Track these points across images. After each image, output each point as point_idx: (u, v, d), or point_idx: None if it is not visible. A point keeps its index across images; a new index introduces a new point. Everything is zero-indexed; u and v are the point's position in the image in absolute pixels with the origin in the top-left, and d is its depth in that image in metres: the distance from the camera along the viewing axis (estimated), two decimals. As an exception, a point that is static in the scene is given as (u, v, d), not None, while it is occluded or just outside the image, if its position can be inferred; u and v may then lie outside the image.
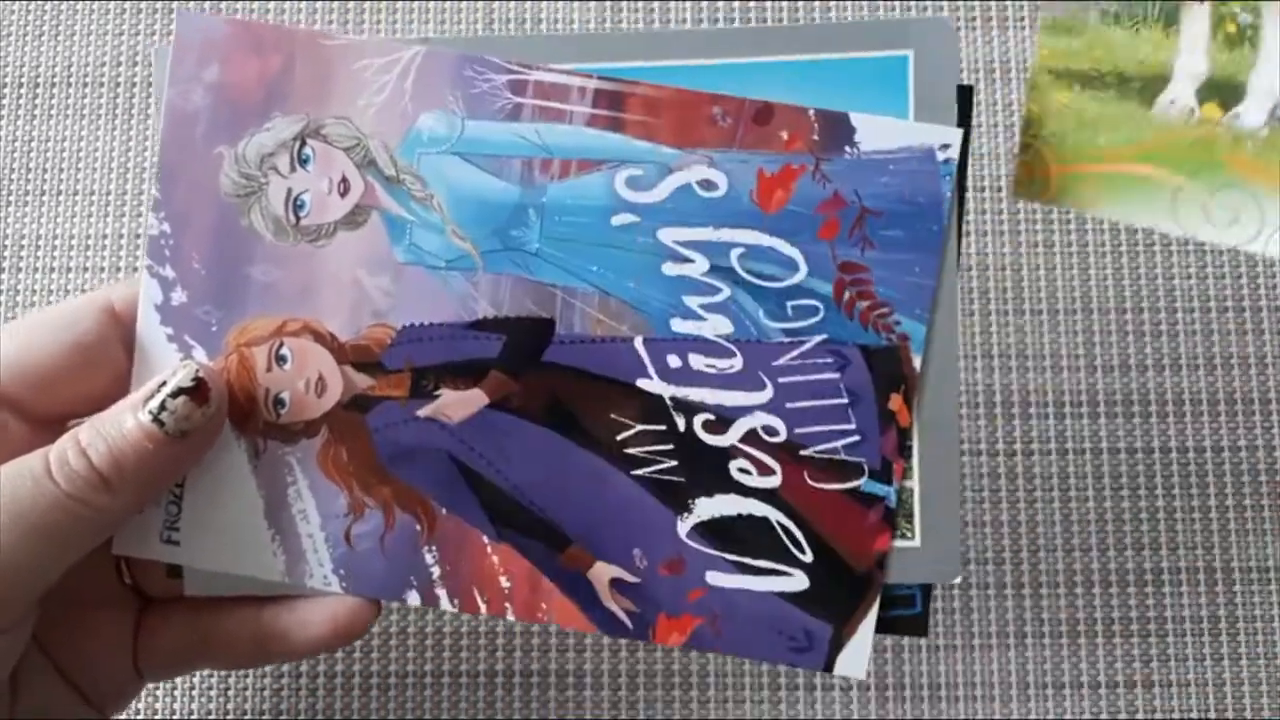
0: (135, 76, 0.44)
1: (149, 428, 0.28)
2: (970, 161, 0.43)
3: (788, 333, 0.30)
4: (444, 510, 0.31)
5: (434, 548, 0.31)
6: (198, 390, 0.29)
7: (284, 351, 0.30)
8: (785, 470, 0.30)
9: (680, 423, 0.30)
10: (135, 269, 0.42)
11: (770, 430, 0.30)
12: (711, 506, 0.30)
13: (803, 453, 0.30)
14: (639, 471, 0.30)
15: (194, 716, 0.39)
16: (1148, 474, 0.40)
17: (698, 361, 0.30)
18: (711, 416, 0.30)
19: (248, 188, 0.31)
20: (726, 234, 0.30)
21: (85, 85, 0.44)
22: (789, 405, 0.30)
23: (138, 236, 0.43)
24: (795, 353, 0.30)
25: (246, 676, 0.39)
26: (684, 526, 0.30)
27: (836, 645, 0.30)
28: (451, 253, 0.30)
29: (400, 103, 0.30)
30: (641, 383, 0.30)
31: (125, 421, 0.28)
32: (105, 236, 0.43)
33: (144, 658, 0.32)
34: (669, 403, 0.30)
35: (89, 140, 0.43)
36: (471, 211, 0.30)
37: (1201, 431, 0.41)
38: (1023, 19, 0.44)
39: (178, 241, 0.31)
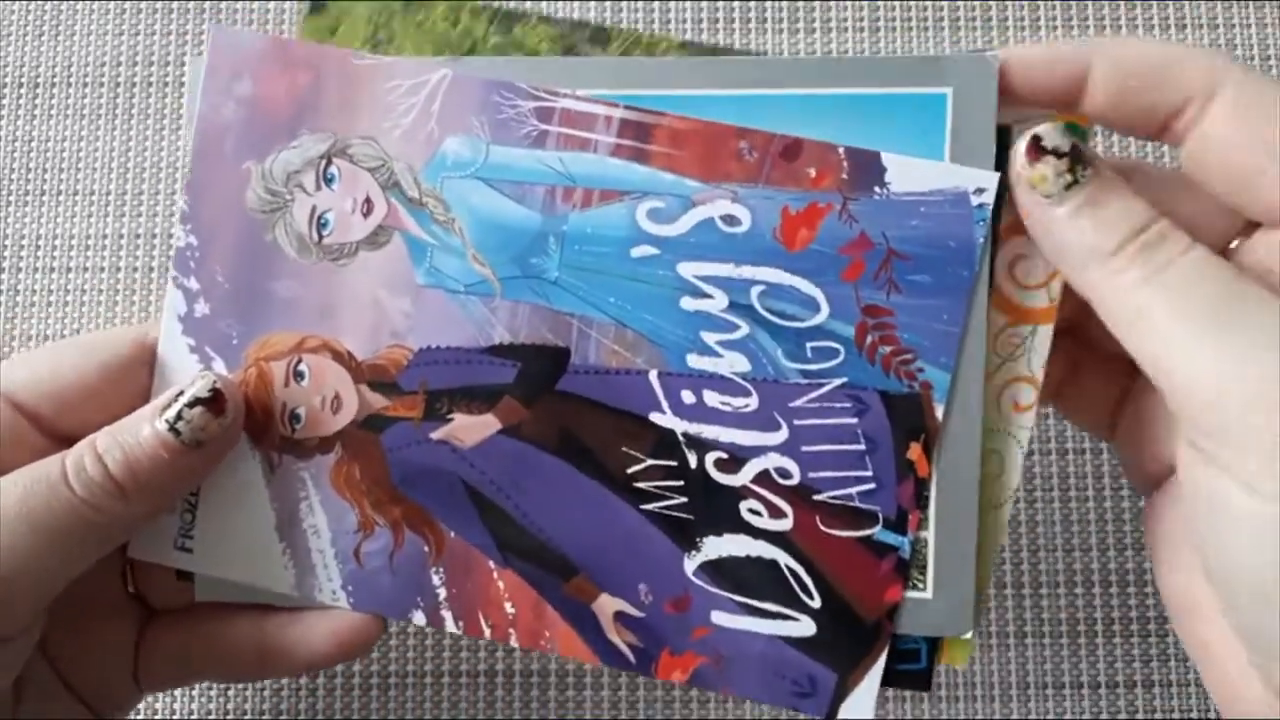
0: (135, 76, 0.44)
1: (165, 436, 0.28)
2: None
3: (806, 374, 0.29)
4: (452, 533, 0.30)
5: (441, 569, 0.30)
6: (214, 401, 0.28)
7: (302, 368, 0.30)
8: (797, 514, 0.29)
9: (692, 460, 0.29)
10: (135, 269, 0.42)
11: (783, 472, 0.29)
12: (720, 546, 0.29)
13: (816, 497, 0.29)
14: (648, 506, 0.30)
15: (194, 716, 0.39)
16: (1148, 474, 0.40)
17: (712, 399, 0.29)
18: (724, 455, 0.29)
19: (273, 204, 0.30)
20: (748, 271, 0.29)
21: (85, 85, 0.43)
22: (804, 448, 0.29)
23: (138, 236, 0.42)
24: (813, 395, 0.29)
25: (247, 677, 0.39)
26: (691, 564, 0.29)
27: (840, 694, 0.29)
28: (471, 277, 0.30)
29: (426, 126, 0.30)
30: (655, 417, 0.29)
31: (142, 429, 0.28)
32: (105, 236, 0.42)
33: (145, 668, 0.32)
34: (681, 439, 0.29)
35: (89, 140, 0.43)
36: (492, 237, 0.30)
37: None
38: (1022, 19, 0.44)
39: (203, 254, 0.30)
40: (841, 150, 0.29)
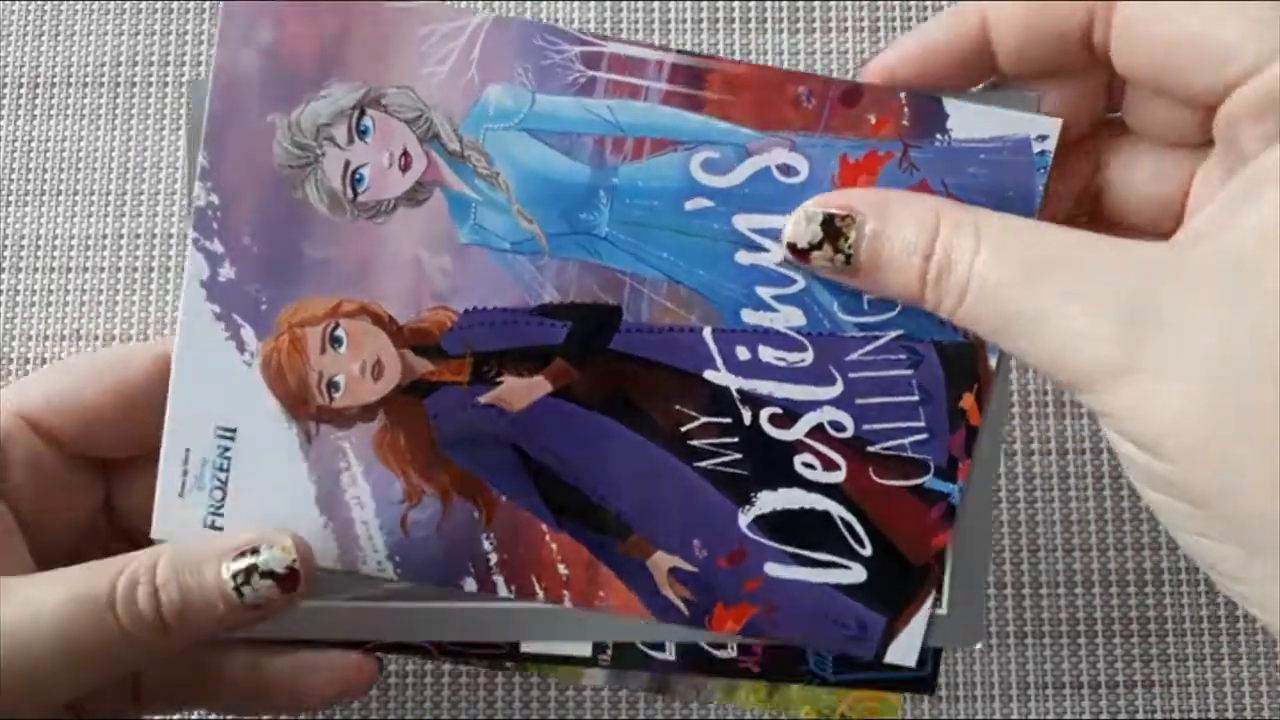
0: (135, 76, 0.43)
1: (228, 594, 0.27)
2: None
3: (862, 327, 0.28)
4: (504, 498, 0.29)
5: (492, 535, 0.29)
6: (288, 579, 0.27)
7: (339, 333, 0.28)
8: (850, 466, 0.29)
9: (746, 416, 0.29)
10: (135, 269, 0.42)
11: (838, 425, 0.29)
12: (774, 500, 0.29)
13: (869, 449, 0.29)
14: (702, 464, 0.29)
15: (194, 716, 0.39)
16: (1148, 474, 0.40)
17: (767, 354, 0.28)
18: (779, 410, 0.29)
19: (302, 159, 0.28)
20: None
21: (85, 85, 0.43)
22: (858, 401, 0.29)
23: (138, 236, 0.42)
24: (869, 348, 0.28)
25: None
26: (745, 519, 0.29)
27: (889, 635, 0.29)
28: (517, 234, 0.28)
29: (466, 73, 0.28)
30: (709, 374, 0.28)
31: (205, 574, 0.27)
32: (105, 236, 0.42)
33: (145, 692, 0.31)
34: (736, 395, 0.29)
35: (89, 140, 0.43)
36: (539, 191, 0.28)
37: (1201, 431, 0.40)
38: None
39: (225, 214, 0.28)
40: (902, 96, 0.28)
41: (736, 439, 0.29)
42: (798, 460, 0.29)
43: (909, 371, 0.28)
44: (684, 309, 0.29)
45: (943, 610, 0.29)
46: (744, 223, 0.28)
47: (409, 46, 0.28)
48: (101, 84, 0.43)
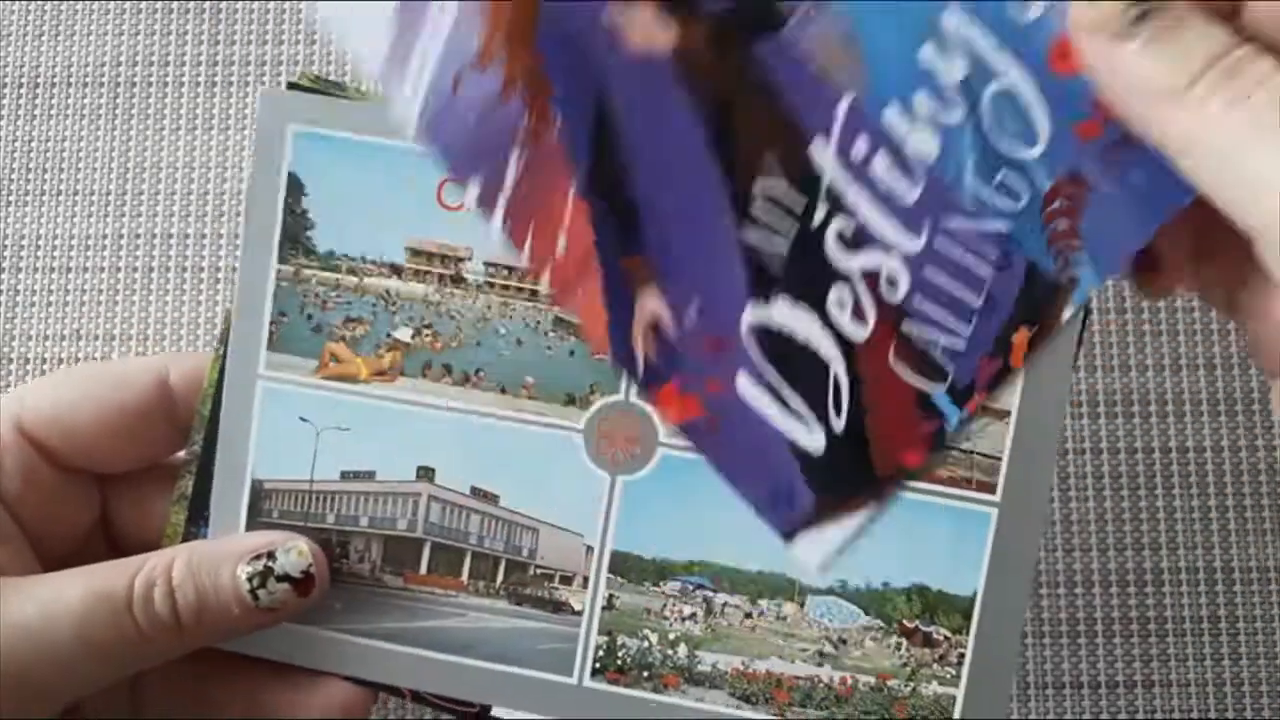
0: (135, 76, 0.43)
1: (243, 595, 0.27)
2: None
3: (978, 199, 0.26)
4: (559, 122, 0.26)
5: (524, 154, 0.26)
6: (302, 583, 0.27)
7: None
8: (876, 329, 0.26)
9: (819, 214, 0.26)
10: (135, 269, 0.42)
11: (892, 280, 0.26)
12: (787, 315, 0.26)
13: (903, 325, 0.26)
14: (746, 233, 0.26)
15: None
16: (1148, 474, 0.40)
17: (880, 166, 0.26)
18: (850, 229, 0.26)
19: None
20: (1005, 61, 0.25)
21: (85, 85, 0.43)
22: (926, 270, 0.26)
23: (138, 236, 0.42)
24: (972, 224, 0.26)
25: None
26: (750, 316, 0.27)
27: (808, 520, 0.27)
28: None
29: None
30: (816, 146, 0.26)
31: (222, 574, 0.27)
32: (105, 236, 0.42)
33: (142, 702, 0.31)
34: (824, 187, 0.26)
35: (89, 140, 0.43)
36: None
37: (1201, 431, 0.40)
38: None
39: None
40: None
41: (795, 230, 0.26)
42: (834, 291, 0.26)
43: (990, 271, 0.26)
44: (841, 57, 0.26)
45: (958, 692, 0.28)
46: (953, 18, 0.25)
47: None
48: (101, 84, 0.43)
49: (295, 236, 0.29)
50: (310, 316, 0.29)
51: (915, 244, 0.26)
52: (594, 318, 0.27)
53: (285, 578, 0.27)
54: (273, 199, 0.29)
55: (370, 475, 0.30)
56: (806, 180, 0.26)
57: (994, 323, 0.26)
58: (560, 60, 0.26)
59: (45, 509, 0.30)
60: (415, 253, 0.29)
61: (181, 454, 0.31)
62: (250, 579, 0.27)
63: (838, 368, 0.27)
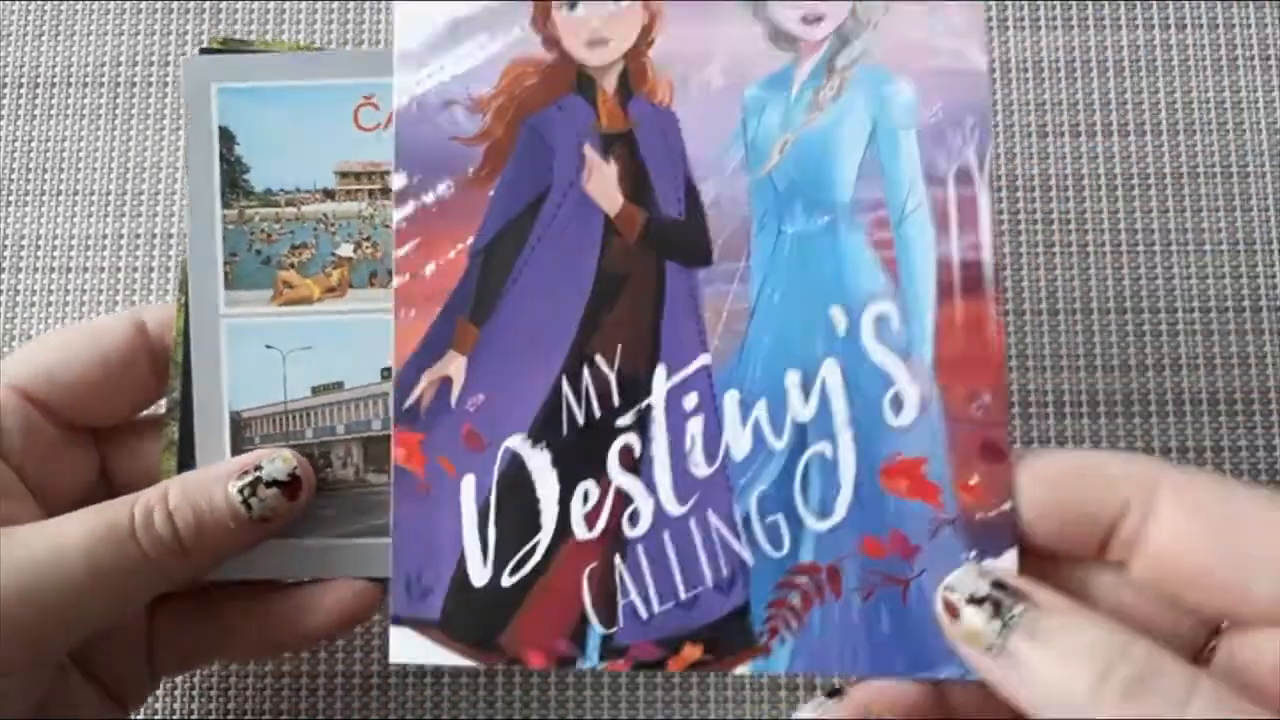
0: (135, 76, 0.43)
1: (236, 508, 0.28)
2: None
3: (745, 521, 0.27)
4: (494, 189, 0.28)
5: (455, 189, 0.28)
6: (290, 485, 0.29)
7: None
8: (596, 539, 0.27)
9: (624, 420, 0.28)
10: (135, 269, 0.42)
11: (634, 517, 0.27)
12: (541, 466, 0.27)
13: (615, 556, 0.27)
14: (563, 383, 0.28)
15: (194, 717, 0.38)
16: (1148, 474, 0.40)
17: (694, 427, 0.27)
18: (636, 450, 0.27)
19: None
20: (845, 441, 0.27)
21: (85, 85, 0.43)
22: (666, 534, 0.27)
23: (138, 236, 0.42)
24: (727, 535, 0.27)
25: (247, 677, 0.39)
26: (513, 442, 0.28)
27: (420, 625, 0.27)
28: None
29: None
30: (659, 370, 0.27)
31: (214, 494, 0.28)
32: (105, 236, 0.42)
33: (158, 653, 0.32)
34: (643, 404, 0.28)
35: (89, 140, 0.43)
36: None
37: (1201, 431, 0.40)
38: (1022, 19, 0.44)
39: None
40: None
41: (597, 415, 0.28)
42: (590, 483, 0.28)
43: (710, 580, 0.27)
44: (723, 329, 0.28)
45: None
46: None
47: None
48: (101, 84, 0.43)
49: (234, 181, 0.31)
50: (259, 251, 0.31)
51: (675, 509, 0.27)
52: (407, 339, 0.28)
53: (274, 483, 0.29)
54: (208, 152, 0.31)
55: (339, 386, 0.31)
56: (633, 387, 0.28)
57: (681, 620, 0.27)
58: (528, 149, 0.28)
59: (47, 466, 0.31)
60: (344, 175, 0.31)
61: (163, 403, 0.32)
62: (241, 491, 0.28)
63: (544, 537, 0.27)
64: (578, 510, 0.27)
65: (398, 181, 0.28)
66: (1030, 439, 0.40)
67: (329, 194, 0.31)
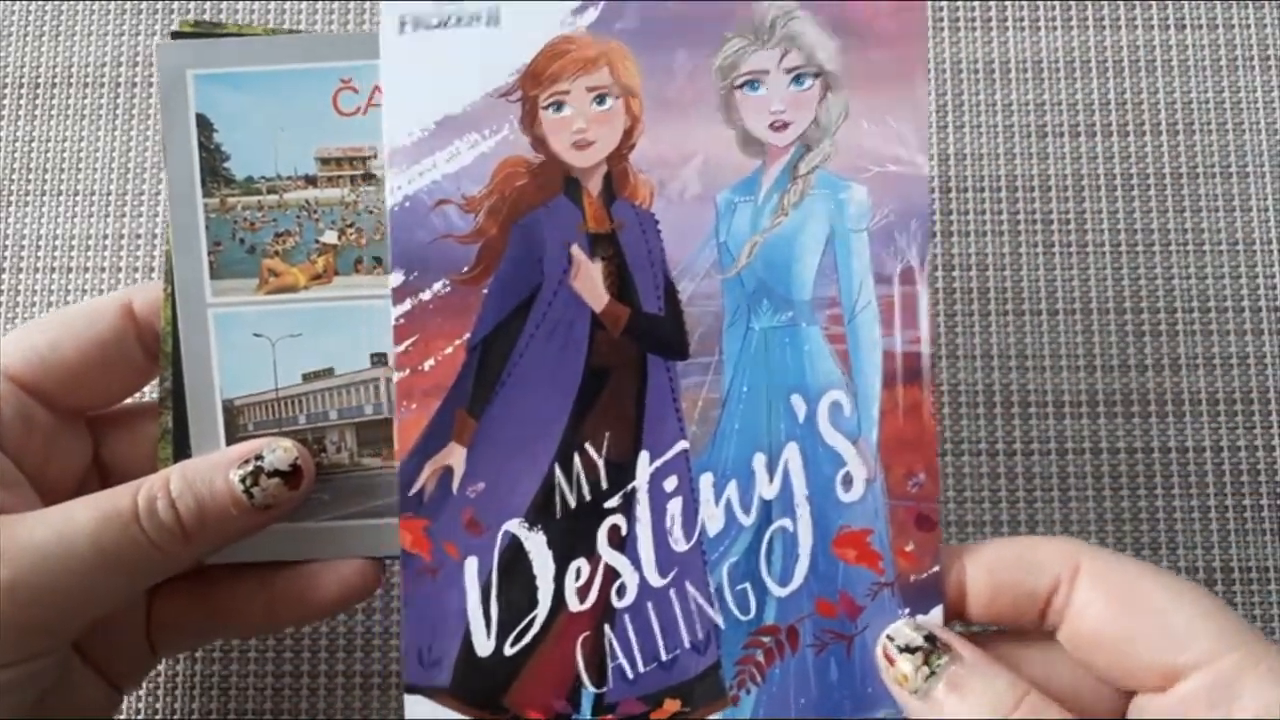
0: (135, 76, 0.43)
1: (238, 496, 0.29)
2: (968, 161, 0.43)
3: (719, 589, 0.30)
4: (488, 288, 0.29)
5: (451, 287, 0.29)
6: (292, 476, 0.29)
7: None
8: (588, 610, 0.29)
9: (611, 502, 0.30)
10: (135, 269, 0.42)
11: (621, 591, 0.29)
12: (538, 547, 0.29)
13: (605, 624, 0.29)
14: (555, 470, 0.29)
15: (194, 717, 0.38)
16: (1147, 474, 0.40)
17: (675, 507, 0.30)
18: (623, 529, 0.30)
19: None
20: (803, 513, 0.29)
21: (85, 85, 0.43)
22: (649, 602, 0.30)
23: (138, 236, 0.42)
24: (703, 602, 0.30)
25: (247, 677, 0.39)
26: (512, 525, 0.29)
27: (435, 693, 0.29)
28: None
29: None
30: (642, 456, 0.30)
31: (216, 480, 0.29)
32: (105, 236, 0.42)
33: (158, 632, 0.32)
34: (629, 486, 0.30)
35: (89, 140, 0.43)
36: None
37: (1201, 431, 0.40)
38: (1022, 19, 0.44)
39: None
40: None
41: (589, 498, 0.30)
42: (581, 560, 0.30)
43: (688, 642, 0.30)
44: (699, 417, 0.30)
45: None
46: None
47: None
48: (101, 84, 0.43)
49: (214, 170, 0.31)
50: (242, 240, 0.31)
51: (657, 581, 0.30)
52: (409, 431, 0.30)
53: (275, 473, 0.29)
54: (186, 141, 0.31)
55: (330, 372, 0.31)
56: (619, 472, 0.30)
57: (662, 678, 0.30)
58: (520, 249, 0.30)
59: (44, 453, 0.31)
60: (325, 161, 0.31)
61: (156, 393, 0.32)
62: (243, 479, 0.29)
63: (542, 611, 0.30)
64: (571, 585, 0.30)
65: (395, 279, 0.29)
66: (1030, 439, 0.40)
67: (311, 180, 0.31)
